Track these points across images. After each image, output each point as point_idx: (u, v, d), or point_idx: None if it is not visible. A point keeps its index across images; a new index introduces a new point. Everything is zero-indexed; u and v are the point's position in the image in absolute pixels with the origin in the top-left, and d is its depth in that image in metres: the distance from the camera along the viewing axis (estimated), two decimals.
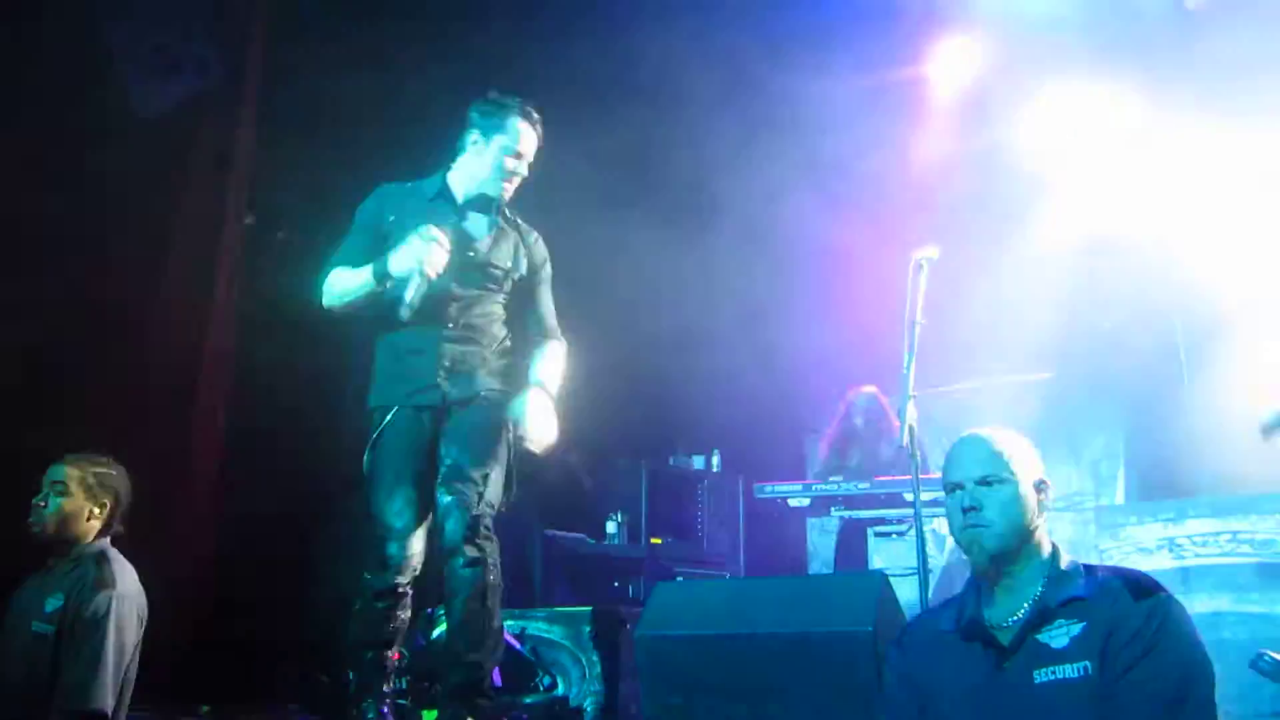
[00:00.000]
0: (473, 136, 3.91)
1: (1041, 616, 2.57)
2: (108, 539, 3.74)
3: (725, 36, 7.06)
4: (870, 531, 6.60)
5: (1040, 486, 2.71)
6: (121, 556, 3.72)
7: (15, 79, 5.22)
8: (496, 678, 4.60)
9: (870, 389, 6.77)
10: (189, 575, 5.85)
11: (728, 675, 3.56)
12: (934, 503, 4.62)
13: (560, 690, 4.66)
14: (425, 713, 4.41)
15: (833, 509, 6.22)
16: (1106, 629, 2.48)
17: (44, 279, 5.41)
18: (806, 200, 7.76)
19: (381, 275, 3.68)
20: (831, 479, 6.39)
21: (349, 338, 7.12)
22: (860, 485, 6.16)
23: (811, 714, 3.36)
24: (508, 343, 4.01)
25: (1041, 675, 2.51)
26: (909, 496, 5.04)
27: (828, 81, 7.12)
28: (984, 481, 2.67)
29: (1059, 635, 2.54)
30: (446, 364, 3.80)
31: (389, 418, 3.81)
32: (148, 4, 5.82)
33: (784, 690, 3.43)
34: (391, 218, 3.87)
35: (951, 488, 2.72)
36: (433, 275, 3.64)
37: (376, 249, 3.78)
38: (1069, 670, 2.49)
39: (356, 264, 3.78)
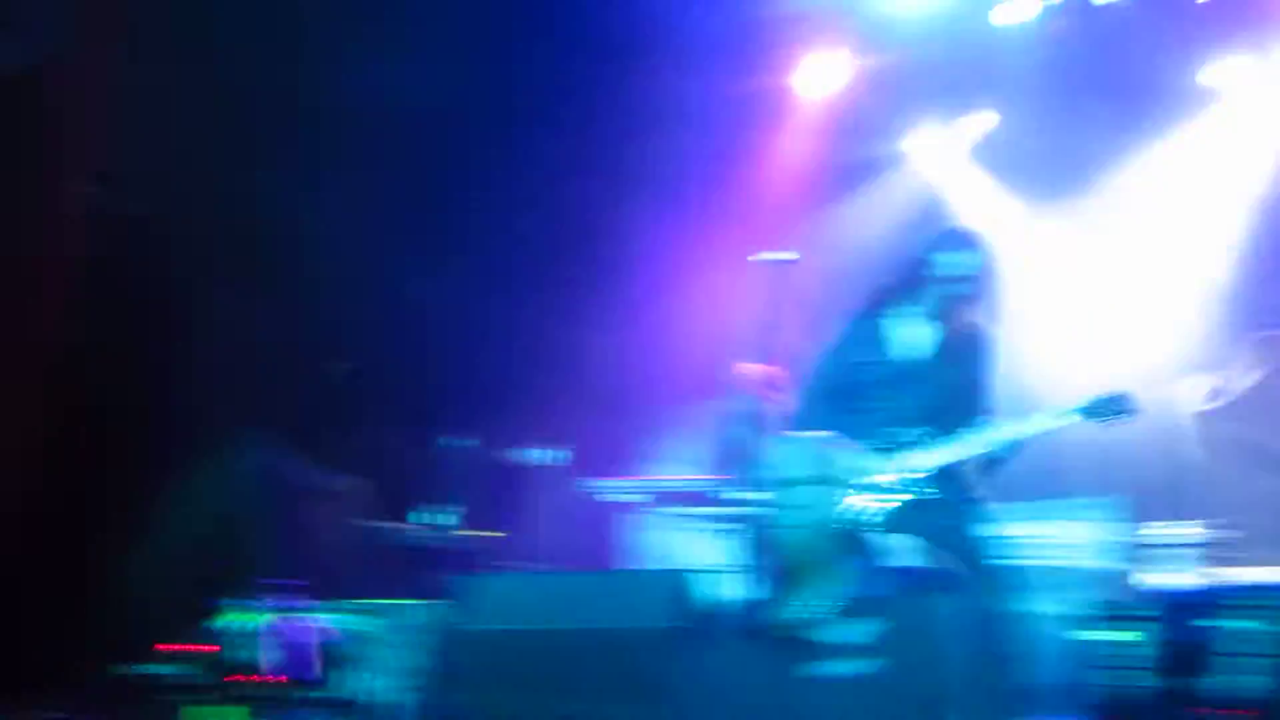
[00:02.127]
0: None
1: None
2: None
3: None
4: (697, 528, 6.63)
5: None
6: None
7: None
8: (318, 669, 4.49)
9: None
10: None
11: (533, 670, 3.56)
12: (760, 501, 4.65)
13: (365, 683, 4.56)
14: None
15: (659, 505, 6.22)
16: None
17: None
18: (656, 202, 7.78)
19: None
20: (665, 476, 6.42)
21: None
22: (688, 482, 6.19)
23: (612, 709, 3.35)
24: None
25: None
26: (735, 494, 5.07)
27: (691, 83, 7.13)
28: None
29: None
30: None
31: None
32: None
33: (586, 685, 3.41)
34: None
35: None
36: None
37: None
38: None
39: None
